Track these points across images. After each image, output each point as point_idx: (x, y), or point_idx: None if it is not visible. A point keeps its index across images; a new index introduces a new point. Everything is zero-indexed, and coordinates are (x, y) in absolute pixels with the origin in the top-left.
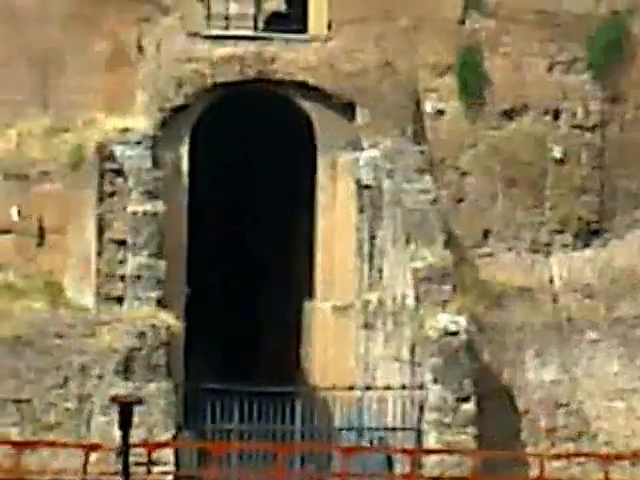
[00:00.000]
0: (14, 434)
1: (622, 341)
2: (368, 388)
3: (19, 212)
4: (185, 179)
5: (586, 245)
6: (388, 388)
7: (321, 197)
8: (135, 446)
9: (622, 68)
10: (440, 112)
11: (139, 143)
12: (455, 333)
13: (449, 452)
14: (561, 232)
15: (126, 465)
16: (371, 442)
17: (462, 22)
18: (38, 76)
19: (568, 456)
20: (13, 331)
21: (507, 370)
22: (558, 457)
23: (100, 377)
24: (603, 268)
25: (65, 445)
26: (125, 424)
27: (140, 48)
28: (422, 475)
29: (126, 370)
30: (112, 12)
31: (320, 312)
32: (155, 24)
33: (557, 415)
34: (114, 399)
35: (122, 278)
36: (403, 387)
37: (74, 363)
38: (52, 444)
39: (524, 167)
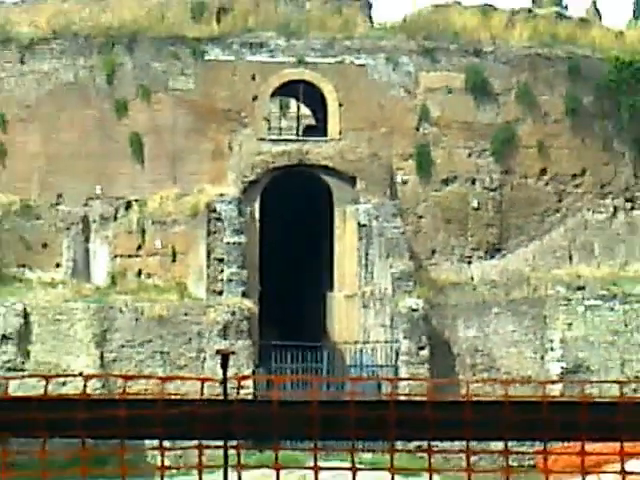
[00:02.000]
0: (160, 372)
1: (514, 313)
2: (366, 342)
3: (161, 242)
4: (257, 223)
5: (492, 257)
6: (377, 342)
7: (336, 232)
8: (230, 379)
9: (511, 155)
10: (404, 182)
11: (230, 202)
12: (416, 310)
13: (414, 379)
14: (477, 249)
15: (225, 390)
16: (368, 375)
17: (417, 129)
18: (171, 164)
19: (484, 381)
20: (159, 312)
21: (447, 330)
22: (477, 382)
23: (209, 338)
24: (502, 270)
25: (190, 378)
26: (225, 366)
27: (230, 147)
28: (398, 393)
29: (225, 334)
30: (214, 126)
31: (336, 299)
32: (239, 133)
33: (476, 356)
34: (218, 351)
35: (222, 280)
36: (386, 341)
37: (194, 330)
38: (182, 378)
39: (455, 212)
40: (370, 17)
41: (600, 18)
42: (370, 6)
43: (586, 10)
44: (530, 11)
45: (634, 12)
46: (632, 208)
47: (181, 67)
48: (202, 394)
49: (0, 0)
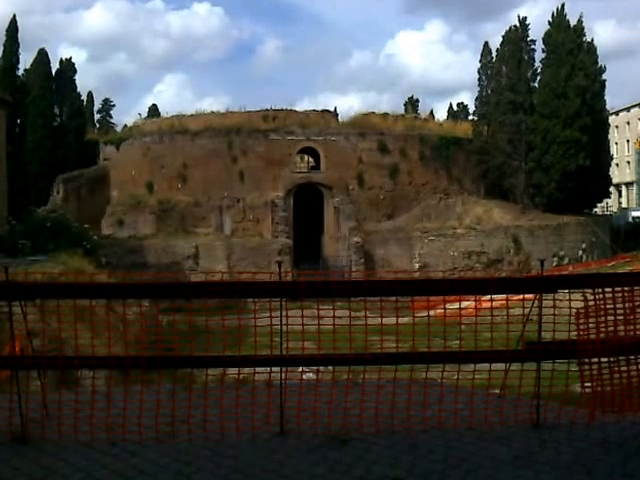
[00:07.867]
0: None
1: (399, 242)
2: (337, 256)
3: (251, 216)
4: (291, 207)
5: (389, 219)
6: (342, 256)
7: (325, 210)
8: (281, 273)
9: (396, 176)
10: (353, 189)
11: (281, 198)
12: (358, 242)
13: (357, 272)
14: (383, 216)
15: (280, 277)
16: (339, 269)
17: (358, 166)
18: (256, 183)
19: (386, 272)
20: (252, 245)
21: (371, 251)
22: (382, 273)
23: (273, 255)
24: (393, 225)
25: (265, 272)
26: (279, 267)
27: (280, 175)
28: (352, 277)
29: (279, 253)
30: (273, 167)
31: (327, 239)
32: (284, 169)
33: (382, 262)
34: (277, 261)
35: (277, 231)
36: (346, 256)
37: (266, 252)
38: (262, 272)
39: (374, 201)
40: (337, 118)
41: (433, 117)
42: (337, 114)
43: (426, 113)
44: (403, 115)
45: (447, 114)
46: (447, 198)
47: (258, 141)
48: (270, 278)
49: (183, 114)
